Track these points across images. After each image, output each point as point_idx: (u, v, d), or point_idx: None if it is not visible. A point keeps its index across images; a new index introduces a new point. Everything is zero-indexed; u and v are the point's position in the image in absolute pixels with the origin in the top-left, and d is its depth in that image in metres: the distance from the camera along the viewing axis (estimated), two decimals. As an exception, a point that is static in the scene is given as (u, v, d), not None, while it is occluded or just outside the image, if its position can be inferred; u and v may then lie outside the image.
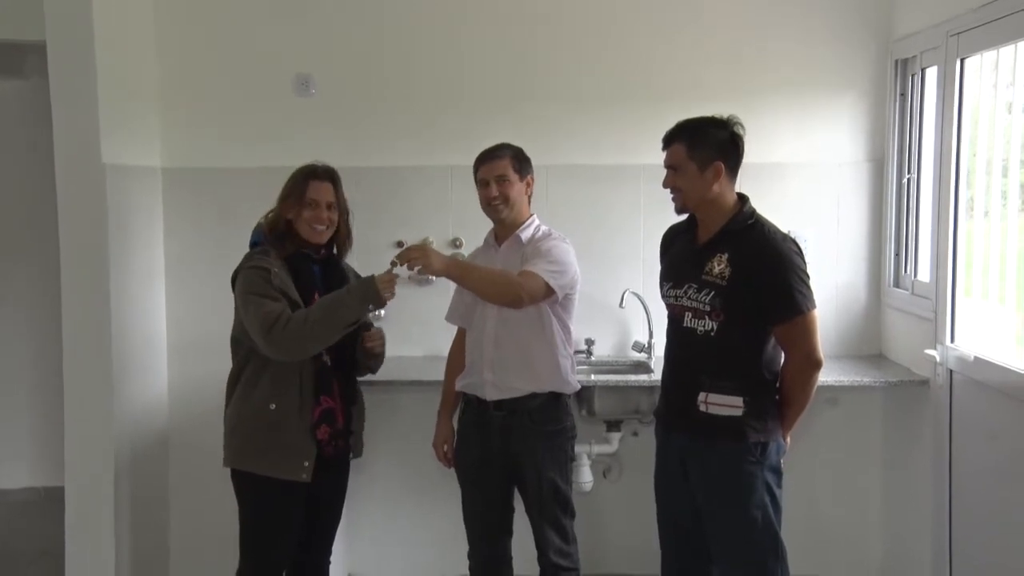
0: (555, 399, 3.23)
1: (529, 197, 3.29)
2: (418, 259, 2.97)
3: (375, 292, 2.96)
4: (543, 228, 3.29)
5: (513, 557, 3.38)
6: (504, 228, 3.28)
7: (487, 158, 3.24)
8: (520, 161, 3.24)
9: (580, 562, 3.31)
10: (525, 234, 3.25)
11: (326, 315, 2.95)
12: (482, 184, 3.24)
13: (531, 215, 3.31)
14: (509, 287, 3.06)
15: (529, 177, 3.27)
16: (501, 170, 3.20)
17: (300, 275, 3.06)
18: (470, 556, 3.38)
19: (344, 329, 2.98)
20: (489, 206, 3.23)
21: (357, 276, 3.24)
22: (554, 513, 3.23)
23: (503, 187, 3.20)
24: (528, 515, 3.29)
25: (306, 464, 3.01)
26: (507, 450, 3.21)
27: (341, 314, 2.96)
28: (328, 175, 3.12)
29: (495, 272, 3.15)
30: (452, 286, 3.30)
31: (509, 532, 3.36)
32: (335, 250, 3.21)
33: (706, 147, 2.86)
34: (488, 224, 3.35)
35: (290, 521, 3.08)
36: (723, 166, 2.86)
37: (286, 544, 3.10)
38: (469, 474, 3.31)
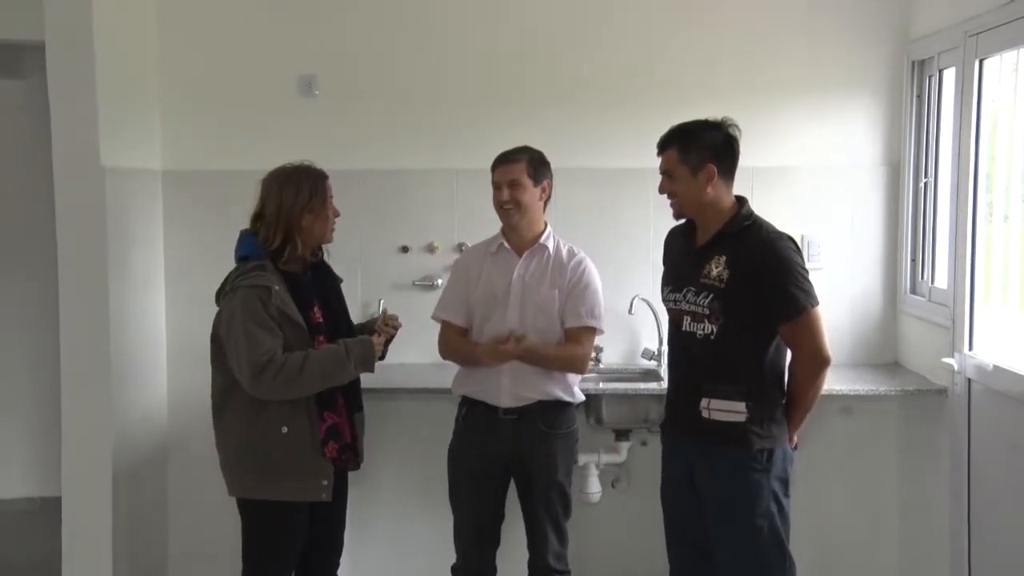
0: (565, 404, 3.30)
1: (545, 203, 3.32)
2: (492, 362, 3.16)
3: (372, 359, 3.01)
4: (562, 243, 3.31)
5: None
6: (518, 235, 3.29)
7: (502, 161, 3.26)
8: (536, 166, 3.26)
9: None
10: (549, 245, 3.28)
11: (324, 374, 2.94)
12: (496, 187, 3.27)
13: (545, 223, 3.33)
14: (575, 363, 3.26)
15: (545, 183, 3.29)
16: (514, 174, 3.22)
17: (297, 287, 3.01)
18: (456, 569, 3.37)
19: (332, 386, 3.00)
20: (501, 210, 3.26)
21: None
22: (557, 515, 3.27)
23: (515, 192, 3.22)
24: (530, 517, 3.29)
25: (324, 483, 3.00)
26: (516, 453, 3.23)
27: (339, 376, 2.98)
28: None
29: (561, 353, 3.24)
30: None
31: (497, 541, 3.37)
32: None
33: (698, 150, 2.86)
34: (495, 227, 3.32)
35: (297, 542, 3.06)
36: (715, 168, 2.85)
37: (292, 565, 3.09)
38: (470, 476, 3.29)
